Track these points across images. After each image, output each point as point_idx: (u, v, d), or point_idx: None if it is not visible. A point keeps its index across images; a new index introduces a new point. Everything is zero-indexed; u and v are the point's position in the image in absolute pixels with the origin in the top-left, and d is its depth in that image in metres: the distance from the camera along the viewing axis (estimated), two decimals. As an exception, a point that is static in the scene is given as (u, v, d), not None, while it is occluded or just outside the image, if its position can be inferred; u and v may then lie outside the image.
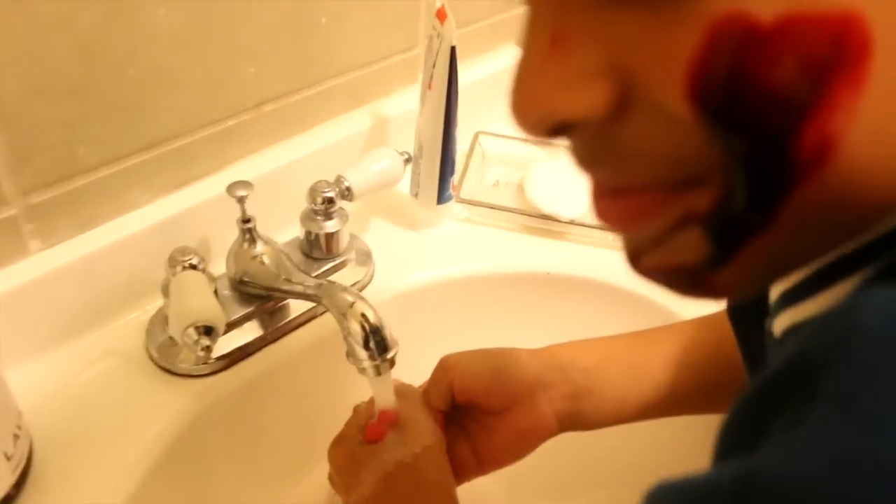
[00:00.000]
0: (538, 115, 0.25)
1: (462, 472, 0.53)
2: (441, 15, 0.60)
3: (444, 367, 0.53)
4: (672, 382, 0.53)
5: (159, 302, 0.58)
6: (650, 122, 0.24)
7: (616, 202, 0.27)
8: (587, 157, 0.27)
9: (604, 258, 0.67)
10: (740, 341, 0.42)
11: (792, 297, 0.30)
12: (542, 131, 0.26)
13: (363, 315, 0.51)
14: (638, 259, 0.28)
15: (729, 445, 0.26)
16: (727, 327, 0.44)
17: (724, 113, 0.22)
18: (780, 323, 0.31)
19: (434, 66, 0.60)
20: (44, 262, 0.54)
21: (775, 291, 0.32)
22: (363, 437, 0.51)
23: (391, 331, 0.51)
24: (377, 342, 0.51)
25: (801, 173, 0.22)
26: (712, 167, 0.24)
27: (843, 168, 0.22)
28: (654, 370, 0.53)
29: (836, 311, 0.23)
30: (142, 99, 0.55)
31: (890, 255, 0.25)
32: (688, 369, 0.54)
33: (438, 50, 0.60)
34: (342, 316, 0.51)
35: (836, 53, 0.21)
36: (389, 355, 0.51)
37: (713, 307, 0.53)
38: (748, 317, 0.40)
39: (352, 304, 0.51)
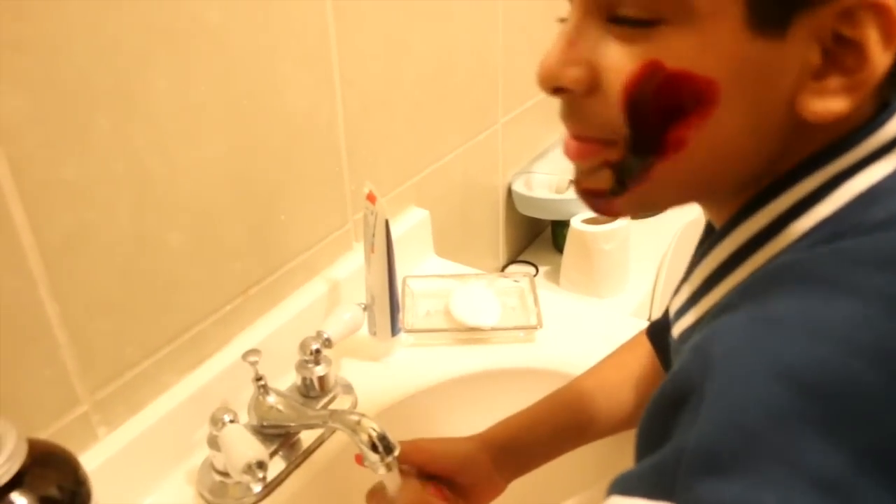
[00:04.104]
0: (549, 76, 0.43)
1: None
2: (371, 198, 0.81)
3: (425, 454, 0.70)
4: (581, 432, 0.73)
5: (201, 454, 0.73)
6: (600, 103, 0.42)
7: (574, 144, 0.45)
8: (567, 114, 0.45)
9: (521, 351, 0.88)
10: (659, 353, 0.66)
11: (681, 313, 0.50)
12: (548, 87, 0.43)
13: (369, 427, 0.68)
14: (578, 183, 0.47)
15: (647, 446, 0.39)
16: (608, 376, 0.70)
17: (634, 112, 0.41)
18: (676, 329, 0.51)
19: (374, 235, 0.81)
20: (112, 444, 0.69)
21: (673, 308, 0.52)
22: None
23: (392, 436, 0.69)
24: (384, 446, 0.67)
25: (664, 153, 0.42)
26: (620, 135, 0.42)
27: (688, 155, 0.41)
28: (566, 424, 0.73)
29: (701, 342, 0.38)
30: (165, 304, 0.72)
31: (728, 295, 0.44)
32: (590, 416, 0.74)
33: (375, 223, 0.81)
34: (353, 432, 0.68)
35: (696, 97, 0.39)
36: (395, 454, 0.68)
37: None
38: (660, 335, 0.64)
39: (359, 422, 0.68)
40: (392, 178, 0.98)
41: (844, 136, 0.41)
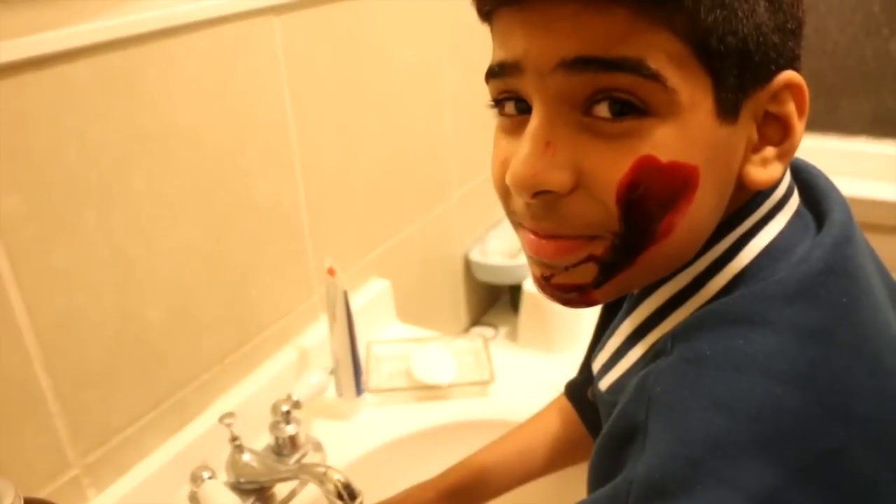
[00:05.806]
0: (533, 182, 0.42)
1: None
2: (331, 272, 0.90)
3: None
4: (524, 473, 0.81)
5: (185, 512, 0.81)
6: (585, 202, 0.42)
7: (550, 243, 0.45)
8: (540, 214, 0.44)
9: (476, 404, 0.96)
10: (577, 407, 0.73)
11: (606, 368, 0.55)
12: (530, 192, 0.42)
13: (335, 477, 0.76)
14: (549, 279, 0.46)
15: (598, 479, 0.45)
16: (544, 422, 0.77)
17: (630, 208, 0.42)
18: (604, 383, 0.55)
19: (335, 306, 0.90)
20: (101, 505, 0.76)
21: (596, 366, 0.58)
22: None
23: (356, 483, 0.76)
24: (348, 493, 0.75)
25: (654, 241, 0.43)
26: (609, 231, 0.43)
27: (672, 239, 0.43)
28: (509, 472, 0.81)
29: (640, 385, 0.43)
30: (148, 374, 0.80)
31: (656, 342, 0.48)
32: (535, 457, 0.81)
33: (336, 295, 0.90)
34: (320, 482, 0.76)
35: (685, 184, 0.42)
36: (358, 501, 0.75)
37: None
38: (578, 391, 0.71)
39: (325, 472, 0.76)
40: (354, 253, 1.07)
41: (747, 202, 0.47)
